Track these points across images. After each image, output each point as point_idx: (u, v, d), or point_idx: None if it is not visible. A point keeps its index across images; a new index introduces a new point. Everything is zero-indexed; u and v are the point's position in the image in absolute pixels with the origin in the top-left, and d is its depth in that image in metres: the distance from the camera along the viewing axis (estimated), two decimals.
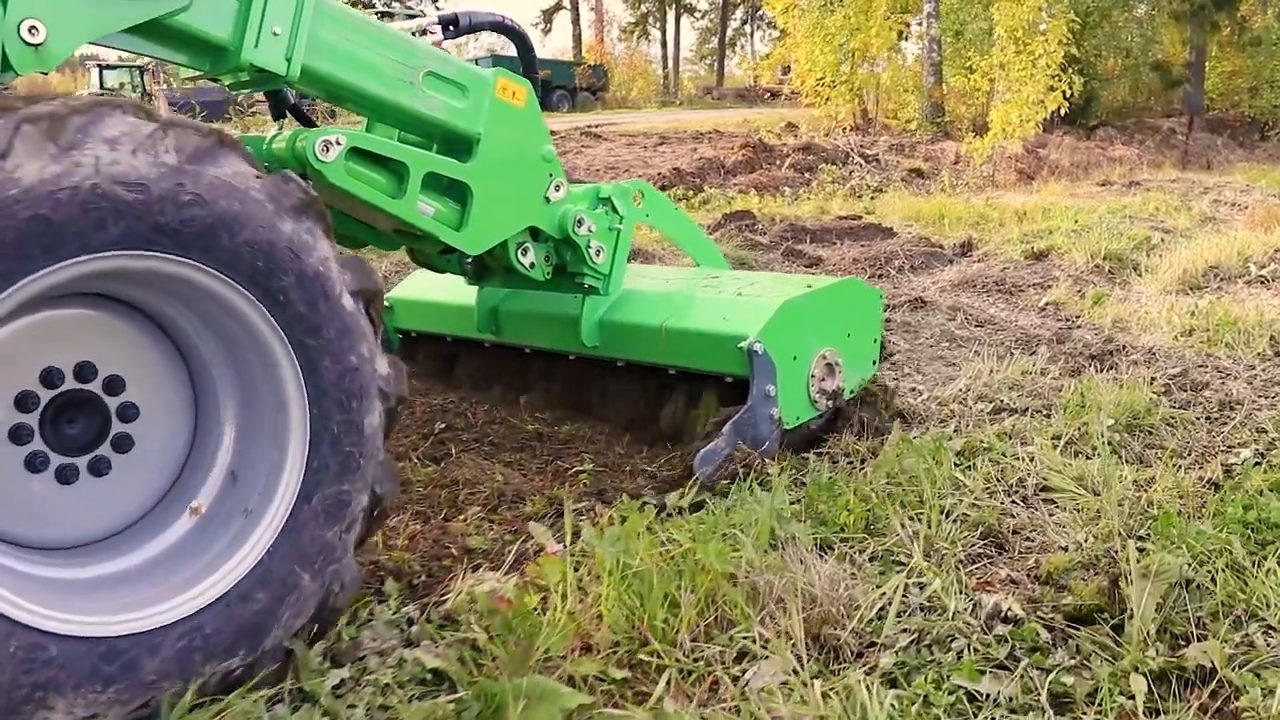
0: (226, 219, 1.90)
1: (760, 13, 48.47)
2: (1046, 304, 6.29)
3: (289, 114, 3.27)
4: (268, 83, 2.73)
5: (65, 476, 1.99)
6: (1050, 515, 2.94)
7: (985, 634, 2.25)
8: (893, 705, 1.98)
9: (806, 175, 14.92)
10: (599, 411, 3.80)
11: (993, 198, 12.84)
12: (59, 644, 1.76)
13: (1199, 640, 2.18)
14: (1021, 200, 12.04)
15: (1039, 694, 2.03)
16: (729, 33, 59.58)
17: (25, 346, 1.93)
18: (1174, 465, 3.28)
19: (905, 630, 2.27)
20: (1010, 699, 2.02)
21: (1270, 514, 2.70)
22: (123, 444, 2.05)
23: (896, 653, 2.18)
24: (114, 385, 2.03)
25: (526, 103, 3.20)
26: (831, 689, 2.03)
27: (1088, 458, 3.35)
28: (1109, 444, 3.45)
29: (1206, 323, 5.37)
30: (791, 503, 2.87)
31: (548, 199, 3.29)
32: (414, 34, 3.18)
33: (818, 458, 3.37)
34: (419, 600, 2.44)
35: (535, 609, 2.23)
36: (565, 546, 2.53)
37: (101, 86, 26.17)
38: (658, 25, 58.50)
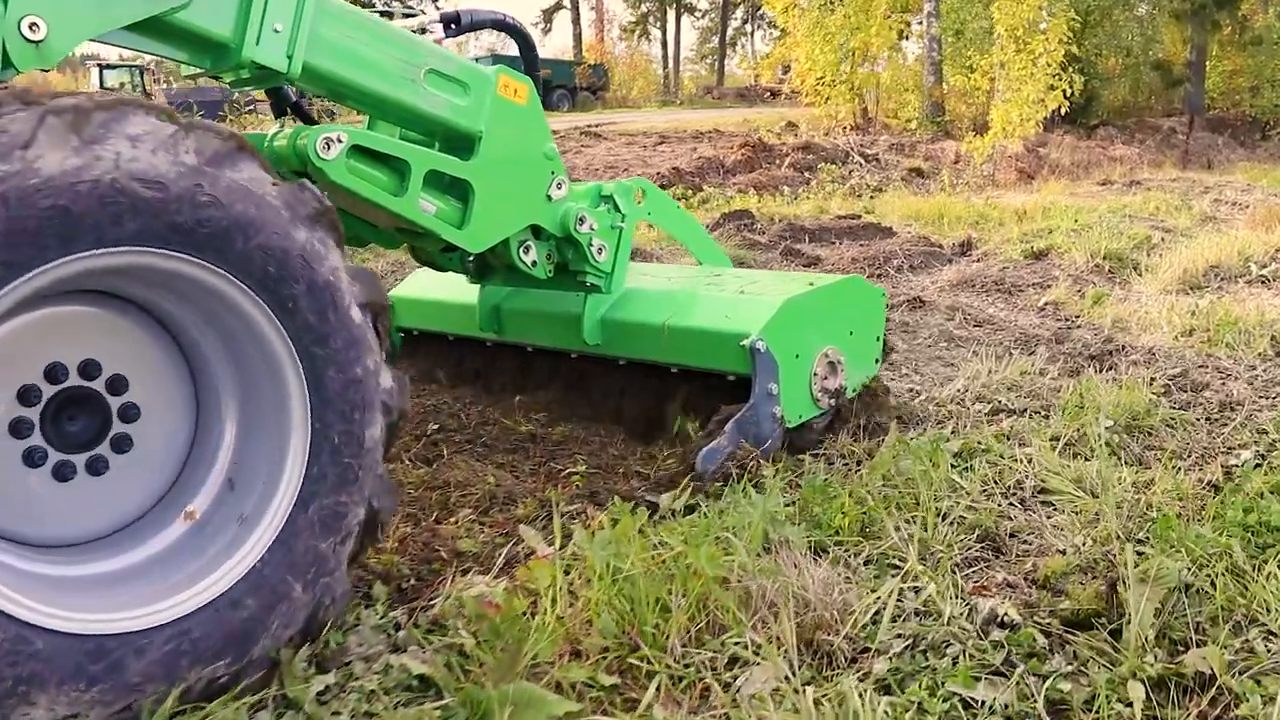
0: (242, 222, 1.92)
1: (761, 12, 48.39)
2: (1046, 304, 6.25)
3: (290, 111, 3.27)
4: (269, 80, 2.73)
5: (62, 473, 1.99)
6: (1048, 518, 2.91)
7: (981, 639, 2.21)
8: (886, 712, 1.94)
9: (806, 175, 14.89)
10: (600, 410, 3.79)
11: (993, 197, 12.80)
12: (45, 638, 1.75)
13: (1198, 646, 2.14)
14: (1021, 199, 12.00)
15: (1035, 701, 2.00)
16: (729, 32, 59.61)
17: (32, 340, 1.94)
18: (1173, 467, 3.25)
19: (899, 636, 2.23)
20: (1006, 706, 1.99)
21: (1271, 517, 2.66)
22: (122, 444, 2.06)
23: (890, 659, 2.14)
24: (117, 385, 2.04)
25: (528, 101, 3.19)
26: (824, 696, 1.99)
27: (1086, 459, 3.31)
28: (1108, 445, 3.42)
29: (1207, 323, 5.34)
30: (786, 505, 2.84)
31: (550, 197, 3.28)
32: (415, 32, 3.16)
33: (813, 459, 3.33)
34: (407, 604, 2.41)
35: (524, 614, 2.20)
36: (556, 550, 2.49)
37: (102, 86, 26.16)
38: (658, 25, 58.54)
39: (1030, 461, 3.27)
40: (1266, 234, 8.00)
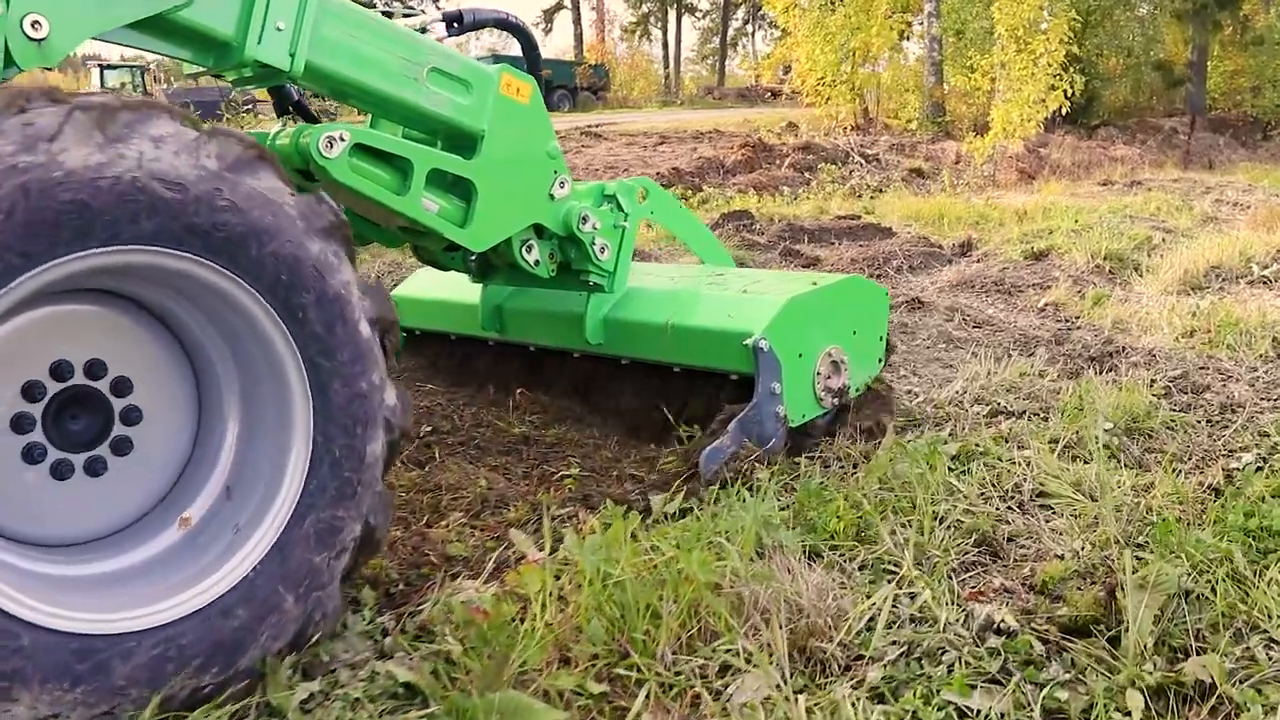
0: (258, 229, 1.94)
1: (762, 12, 48.36)
2: (1046, 305, 6.21)
3: (292, 110, 3.26)
4: (271, 79, 2.73)
5: (60, 472, 1.98)
6: (1046, 522, 2.87)
7: (977, 646, 2.17)
8: None
9: (806, 175, 14.85)
10: (602, 409, 3.77)
11: (993, 197, 12.77)
12: (32, 634, 1.74)
13: (1198, 654, 2.10)
14: (1022, 200, 11.97)
15: (1032, 710, 1.96)
16: (730, 32, 59.59)
17: (41, 335, 1.95)
18: (1174, 470, 3.21)
19: (894, 643, 2.19)
20: (1002, 715, 1.95)
21: (1272, 521, 2.62)
22: (122, 447, 2.06)
23: (885, 666, 2.10)
24: (122, 387, 2.04)
25: (531, 99, 3.18)
26: (816, 704, 1.96)
27: (1085, 462, 3.27)
28: (1107, 448, 3.39)
29: (1208, 324, 5.30)
30: (781, 509, 2.80)
31: (552, 196, 3.28)
32: (417, 30, 3.14)
33: (809, 461, 3.30)
34: (395, 610, 2.37)
35: (513, 620, 2.16)
36: (546, 554, 2.46)
37: (102, 86, 26.18)
38: (659, 25, 58.51)
39: (1029, 464, 3.23)
40: (1268, 234, 7.97)
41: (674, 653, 2.12)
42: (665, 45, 58.53)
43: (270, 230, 1.95)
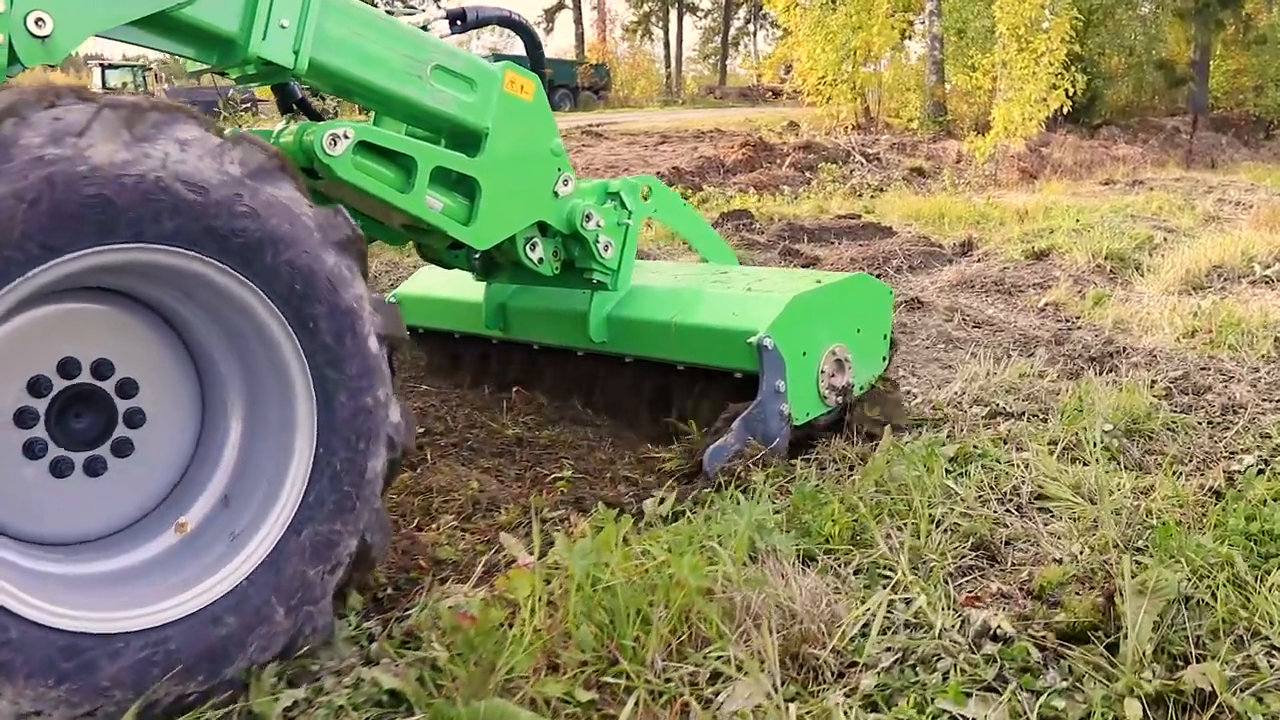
0: (275, 237, 1.96)
1: (763, 12, 48.28)
2: (1046, 304, 6.17)
3: (296, 108, 3.26)
4: (275, 76, 2.73)
5: (59, 470, 1.98)
6: (1044, 525, 2.83)
7: (973, 653, 2.13)
8: None
9: (807, 174, 14.81)
10: (602, 408, 3.75)
11: (994, 197, 12.72)
12: (19, 626, 1.73)
13: (1198, 661, 2.06)
14: (1023, 199, 11.93)
15: (1028, 718, 1.92)
16: (732, 32, 59.53)
17: (50, 331, 1.95)
18: (1174, 473, 3.17)
19: (889, 649, 2.15)
20: None
21: (1274, 525, 2.58)
22: (123, 448, 2.06)
23: (879, 673, 2.06)
24: (127, 388, 2.05)
25: (535, 97, 3.18)
26: (808, 712, 1.92)
27: (1085, 464, 3.23)
28: (1107, 450, 3.35)
29: (1209, 324, 5.25)
30: (775, 512, 2.76)
31: (556, 194, 3.28)
32: (420, 28, 3.13)
33: (805, 463, 3.26)
34: (383, 615, 2.34)
35: (500, 625, 2.12)
36: (536, 558, 2.42)
37: (104, 85, 26.16)
38: (660, 24, 58.45)
39: (1027, 466, 3.20)
40: (1270, 234, 7.93)
41: (664, 659, 2.08)
42: (666, 45, 58.53)
43: (287, 239, 1.97)
